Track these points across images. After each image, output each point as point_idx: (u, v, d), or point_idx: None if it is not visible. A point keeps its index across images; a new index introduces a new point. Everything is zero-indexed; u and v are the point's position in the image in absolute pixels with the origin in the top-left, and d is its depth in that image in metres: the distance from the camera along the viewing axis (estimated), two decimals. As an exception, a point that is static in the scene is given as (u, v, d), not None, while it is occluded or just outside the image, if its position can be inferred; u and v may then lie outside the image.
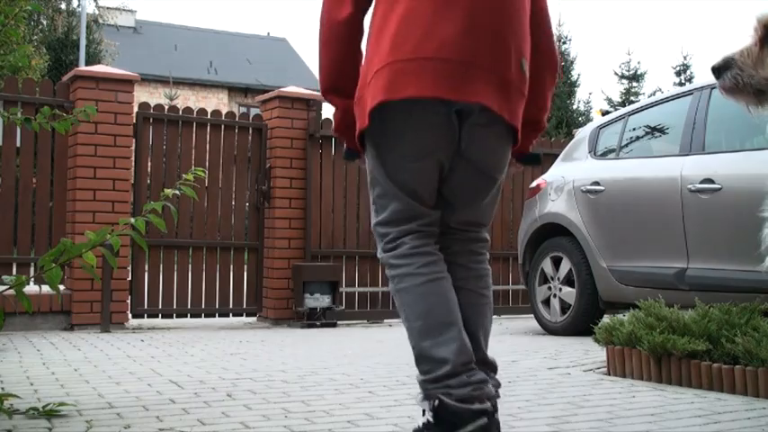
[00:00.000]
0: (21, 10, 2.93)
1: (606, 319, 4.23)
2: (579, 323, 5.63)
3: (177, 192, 2.74)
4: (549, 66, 2.26)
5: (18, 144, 5.98)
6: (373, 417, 2.73)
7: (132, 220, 2.60)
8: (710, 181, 4.75)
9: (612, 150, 5.83)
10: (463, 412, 1.91)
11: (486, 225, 2.23)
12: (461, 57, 1.96)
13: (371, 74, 2.01)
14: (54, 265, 2.45)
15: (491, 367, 2.13)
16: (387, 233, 2.10)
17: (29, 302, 2.48)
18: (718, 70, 2.40)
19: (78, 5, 22.64)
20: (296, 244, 6.79)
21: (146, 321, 6.40)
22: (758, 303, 3.63)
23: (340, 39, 2.13)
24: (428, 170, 2.06)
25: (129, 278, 6.30)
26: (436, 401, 1.93)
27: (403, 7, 2.00)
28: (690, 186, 4.86)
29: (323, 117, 7.07)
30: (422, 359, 2.03)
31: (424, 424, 1.96)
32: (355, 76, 2.11)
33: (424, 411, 1.98)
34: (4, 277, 2.51)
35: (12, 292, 2.50)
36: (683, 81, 22.44)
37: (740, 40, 2.43)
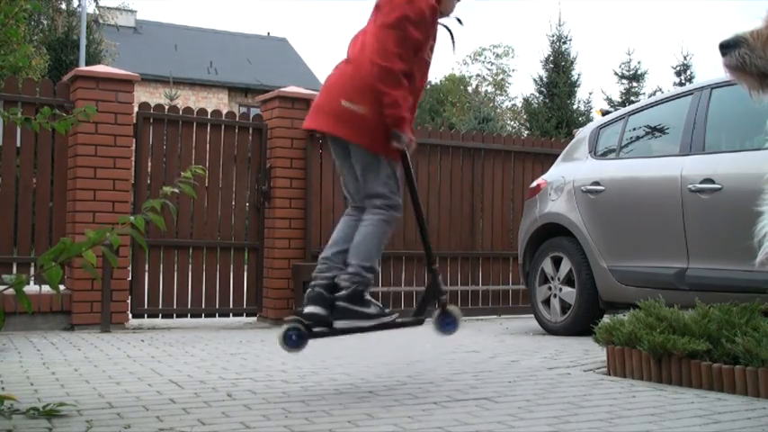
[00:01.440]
0: (21, 9, 2.92)
1: (606, 319, 4.23)
2: (579, 323, 5.63)
3: (176, 190, 2.74)
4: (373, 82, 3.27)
5: (18, 144, 5.98)
6: (373, 417, 2.73)
7: (132, 218, 2.59)
8: (711, 181, 4.75)
9: (612, 150, 5.83)
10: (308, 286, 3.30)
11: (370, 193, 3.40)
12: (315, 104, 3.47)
13: None
14: (54, 263, 2.45)
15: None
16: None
17: (29, 302, 2.47)
18: (725, 47, 2.35)
19: (78, 5, 22.65)
20: (296, 244, 6.79)
21: (146, 321, 6.40)
22: (758, 303, 3.63)
23: None
24: (343, 171, 3.53)
25: (130, 278, 6.30)
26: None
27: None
28: (690, 186, 4.86)
29: (323, 117, 7.05)
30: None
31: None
32: None
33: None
34: (3, 276, 2.51)
35: (12, 291, 2.50)
36: (683, 81, 22.43)
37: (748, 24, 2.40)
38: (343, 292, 3.23)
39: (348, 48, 3.46)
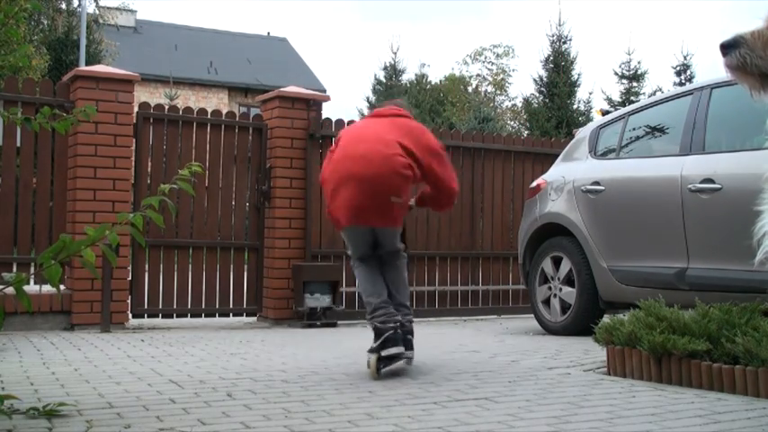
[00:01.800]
0: (20, 9, 2.92)
1: (606, 319, 4.23)
2: (579, 323, 5.63)
3: (174, 186, 2.73)
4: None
5: (18, 144, 5.98)
6: (373, 417, 2.73)
7: (130, 216, 2.59)
8: (711, 181, 4.75)
9: (613, 150, 5.83)
10: (382, 328, 3.72)
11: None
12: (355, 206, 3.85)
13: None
14: (53, 261, 2.45)
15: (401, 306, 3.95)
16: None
17: (28, 301, 2.47)
18: (726, 47, 2.34)
19: (78, 5, 22.66)
20: (296, 244, 6.79)
21: (146, 321, 6.40)
22: (758, 303, 3.63)
23: None
24: (359, 241, 4.09)
25: (130, 278, 6.30)
26: (373, 325, 3.81)
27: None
28: (690, 186, 4.86)
29: (323, 117, 7.07)
30: (366, 304, 3.96)
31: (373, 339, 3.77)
32: None
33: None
34: (3, 274, 2.51)
35: (12, 290, 2.50)
36: (683, 81, 22.42)
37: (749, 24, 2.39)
38: (408, 328, 3.92)
39: (354, 140, 3.90)
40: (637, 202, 5.31)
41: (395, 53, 24.67)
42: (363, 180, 3.72)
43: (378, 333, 3.72)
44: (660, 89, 21.78)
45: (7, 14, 2.90)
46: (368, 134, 3.88)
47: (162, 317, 6.50)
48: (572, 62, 23.54)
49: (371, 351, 3.68)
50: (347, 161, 3.77)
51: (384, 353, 3.63)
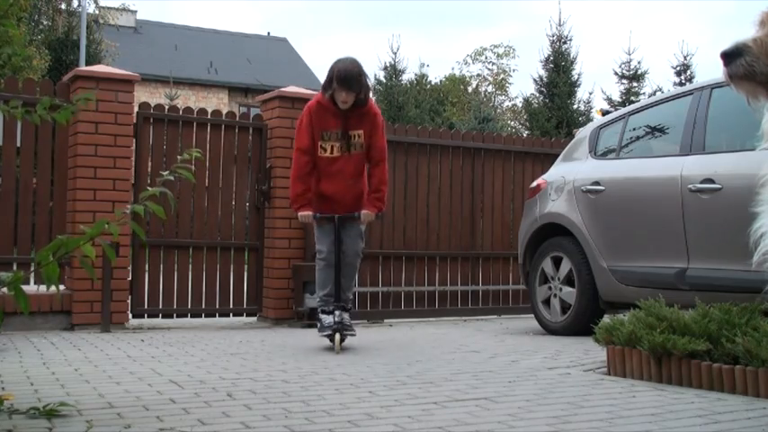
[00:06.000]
0: (14, 3, 2.90)
1: (606, 319, 4.23)
2: (579, 323, 5.63)
3: (172, 178, 2.73)
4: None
5: (18, 144, 5.98)
6: (373, 417, 2.73)
7: (129, 206, 2.59)
8: (711, 181, 4.75)
9: (613, 150, 5.83)
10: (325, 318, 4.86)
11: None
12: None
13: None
14: (52, 259, 2.44)
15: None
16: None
17: (26, 301, 2.47)
18: (728, 56, 2.30)
19: (78, 5, 22.67)
20: (296, 244, 6.79)
21: (146, 321, 6.40)
22: (758, 303, 3.63)
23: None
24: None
25: (130, 278, 6.30)
26: (319, 311, 4.94)
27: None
28: (690, 186, 4.86)
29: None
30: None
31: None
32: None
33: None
34: (1, 274, 2.50)
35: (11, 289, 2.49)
36: (683, 81, 22.40)
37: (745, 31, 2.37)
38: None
39: None
40: (637, 202, 5.31)
41: (395, 53, 24.64)
42: None
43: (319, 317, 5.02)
44: (660, 89, 21.75)
45: (1, 8, 2.88)
46: None
47: (162, 317, 6.50)
48: (572, 62, 23.53)
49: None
50: None
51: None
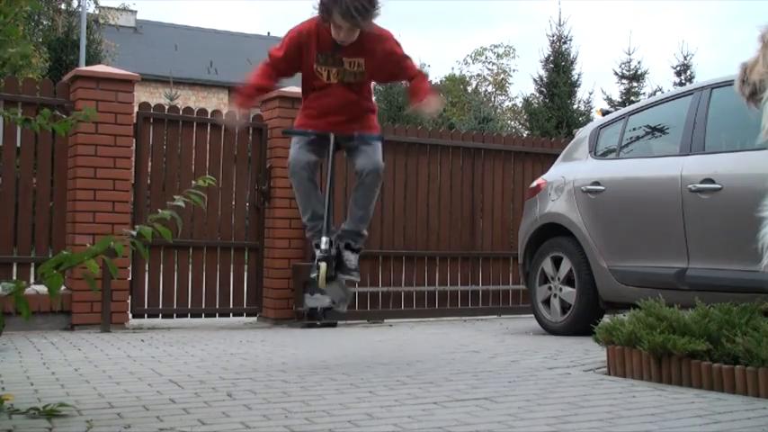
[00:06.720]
0: (20, 10, 2.92)
1: (606, 319, 4.23)
2: (579, 323, 5.63)
3: (182, 204, 2.75)
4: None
5: (18, 144, 5.98)
6: (373, 417, 2.73)
7: (137, 228, 2.60)
8: (711, 181, 4.75)
9: (613, 150, 5.83)
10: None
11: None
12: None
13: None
14: (55, 272, 2.45)
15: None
16: None
17: (27, 310, 2.47)
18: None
19: (78, 5, 22.66)
20: (296, 244, 6.79)
21: (146, 321, 6.39)
22: (758, 303, 3.63)
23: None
24: None
25: (130, 278, 6.30)
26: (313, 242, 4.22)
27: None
28: (690, 186, 4.86)
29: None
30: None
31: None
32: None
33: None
34: (3, 284, 2.51)
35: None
36: (683, 81, 22.38)
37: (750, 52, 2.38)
38: None
39: None
40: (637, 202, 5.31)
41: (395, 53, 24.61)
42: None
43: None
44: (660, 89, 21.73)
45: (6, 15, 2.89)
46: None
47: (162, 317, 6.50)
48: (572, 62, 23.51)
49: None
50: None
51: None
